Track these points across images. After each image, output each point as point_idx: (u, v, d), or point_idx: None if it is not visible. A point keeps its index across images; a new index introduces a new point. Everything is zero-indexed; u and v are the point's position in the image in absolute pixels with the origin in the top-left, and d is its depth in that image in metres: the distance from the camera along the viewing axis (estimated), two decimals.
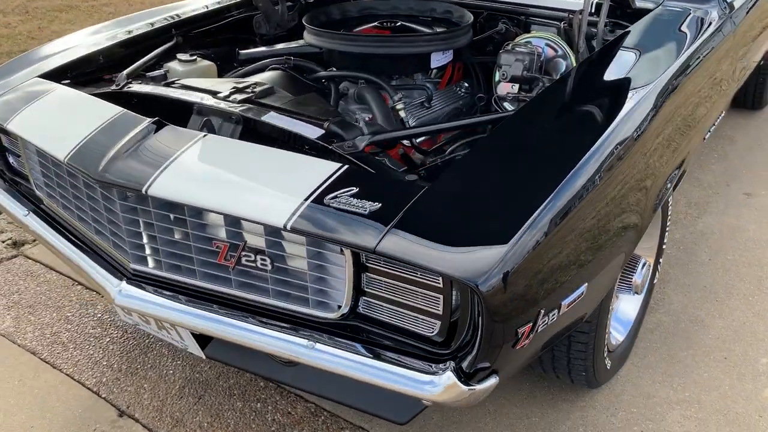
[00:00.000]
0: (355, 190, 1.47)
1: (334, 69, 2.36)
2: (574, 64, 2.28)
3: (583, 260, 1.52)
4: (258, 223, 1.50)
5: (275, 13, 2.77)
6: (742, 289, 2.67)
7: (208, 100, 1.94)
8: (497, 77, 2.32)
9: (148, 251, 1.76)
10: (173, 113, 1.95)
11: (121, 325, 2.49)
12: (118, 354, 2.35)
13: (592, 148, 1.56)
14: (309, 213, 1.44)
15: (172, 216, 1.68)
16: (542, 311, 1.42)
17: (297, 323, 1.63)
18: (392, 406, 1.80)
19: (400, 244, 1.35)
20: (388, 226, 1.38)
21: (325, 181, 1.51)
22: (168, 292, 1.75)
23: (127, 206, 1.72)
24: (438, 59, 2.34)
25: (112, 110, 1.87)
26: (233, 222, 1.60)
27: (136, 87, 2.09)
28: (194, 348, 1.87)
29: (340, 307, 1.57)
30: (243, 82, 2.05)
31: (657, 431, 2.05)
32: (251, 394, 2.18)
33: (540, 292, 1.40)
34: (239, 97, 1.93)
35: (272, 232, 1.55)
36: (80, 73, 2.32)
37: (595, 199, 1.53)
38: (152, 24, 2.60)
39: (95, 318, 2.54)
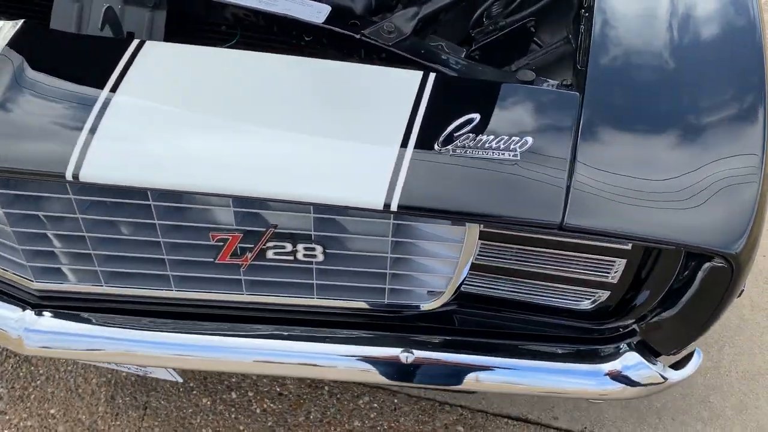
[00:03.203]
0: (476, 118, 0.87)
1: None
2: None
3: None
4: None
5: None
6: None
7: None
8: None
9: (64, 260, 1.02)
10: None
11: None
12: None
13: None
14: (418, 176, 0.83)
15: (108, 201, 0.95)
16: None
17: (349, 325, 1.07)
18: None
19: (597, 209, 0.83)
20: (567, 181, 0.83)
21: (416, 109, 0.88)
22: (102, 316, 1.07)
23: (10, 196, 0.93)
24: None
25: None
26: (244, 202, 0.92)
27: None
28: (169, 371, 1.22)
29: (433, 293, 1.03)
30: None
31: None
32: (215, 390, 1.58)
33: None
34: None
35: (322, 209, 0.91)
36: None
37: None
38: None
39: None
